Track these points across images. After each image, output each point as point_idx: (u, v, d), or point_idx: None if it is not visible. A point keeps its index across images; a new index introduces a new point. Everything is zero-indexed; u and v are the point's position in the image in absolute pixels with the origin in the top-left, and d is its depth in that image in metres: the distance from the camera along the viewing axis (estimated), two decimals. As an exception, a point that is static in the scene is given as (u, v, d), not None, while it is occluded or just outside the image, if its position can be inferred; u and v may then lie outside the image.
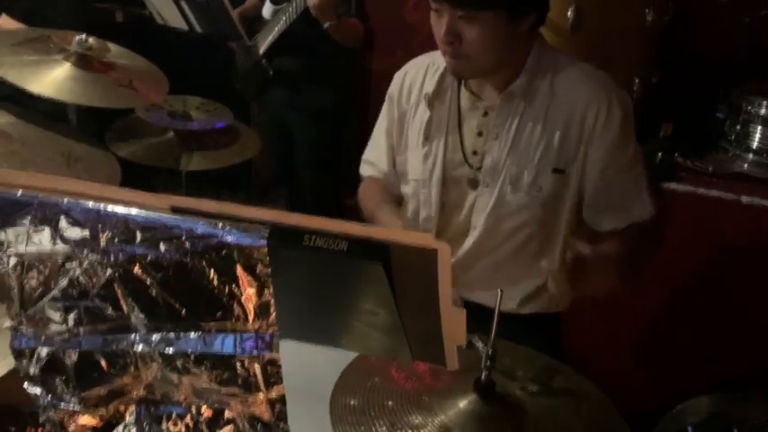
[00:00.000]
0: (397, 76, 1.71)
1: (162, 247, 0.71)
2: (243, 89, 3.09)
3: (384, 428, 1.05)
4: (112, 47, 2.24)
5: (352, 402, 1.10)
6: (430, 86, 1.62)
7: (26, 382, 0.77)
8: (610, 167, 1.53)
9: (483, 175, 1.57)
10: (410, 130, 1.67)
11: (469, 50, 1.44)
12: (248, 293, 0.70)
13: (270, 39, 2.82)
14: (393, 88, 1.71)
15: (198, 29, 2.89)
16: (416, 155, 1.64)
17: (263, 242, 0.68)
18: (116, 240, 0.71)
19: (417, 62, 1.69)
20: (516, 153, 1.53)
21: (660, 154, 2.27)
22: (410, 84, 1.67)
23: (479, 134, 1.58)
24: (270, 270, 0.69)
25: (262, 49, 2.87)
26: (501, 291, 1.06)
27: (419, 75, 1.66)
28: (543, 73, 1.52)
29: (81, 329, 0.75)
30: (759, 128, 2.26)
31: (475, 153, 1.58)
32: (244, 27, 2.92)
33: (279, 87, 2.95)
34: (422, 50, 1.70)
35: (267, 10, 2.87)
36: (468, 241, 1.62)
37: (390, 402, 1.09)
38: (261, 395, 0.73)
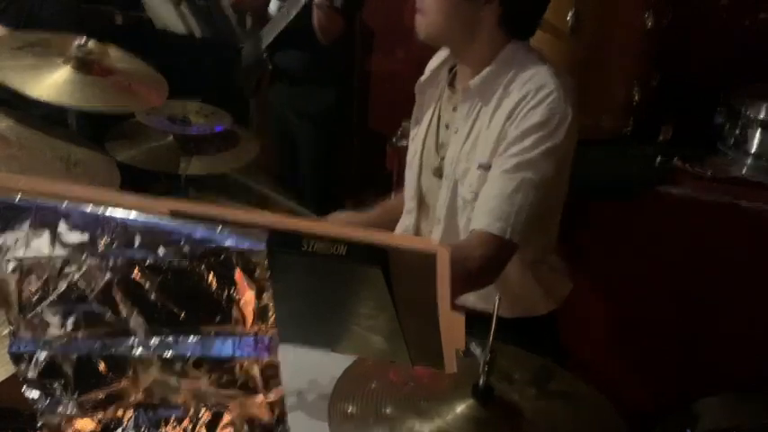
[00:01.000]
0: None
1: (161, 251, 0.70)
2: (243, 84, 3.10)
3: (383, 434, 1.05)
4: (112, 51, 2.24)
5: (350, 410, 1.09)
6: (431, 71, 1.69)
7: (25, 386, 0.77)
8: (495, 153, 1.50)
9: (444, 167, 1.61)
10: (416, 109, 1.75)
11: (427, 4, 1.51)
12: (247, 297, 0.70)
13: (273, 34, 2.83)
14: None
15: (197, 33, 2.90)
16: (411, 135, 1.73)
17: (262, 246, 0.68)
18: (115, 244, 0.71)
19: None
20: (467, 148, 1.56)
21: (659, 158, 2.27)
22: (429, 67, 1.74)
23: (447, 127, 1.63)
24: (269, 274, 0.69)
25: (264, 44, 2.88)
26: (498, 298, 1.07)
27: (436, 60, 1.72)
28: (506, 75, 1.52)
29: (79, 334, 0.75)
30: (758, 132, 2.26)
31: (443, 146, 1.63)
32: (253, 16, 2.94)
33: (280, 84, 2.96)
34: (421, 52, 1.75)
35: (273, 5, 2.89)
36: (436, 234, 1.64)
37: (389, 409, 1.09)
38: (260, 397, 0.73)
